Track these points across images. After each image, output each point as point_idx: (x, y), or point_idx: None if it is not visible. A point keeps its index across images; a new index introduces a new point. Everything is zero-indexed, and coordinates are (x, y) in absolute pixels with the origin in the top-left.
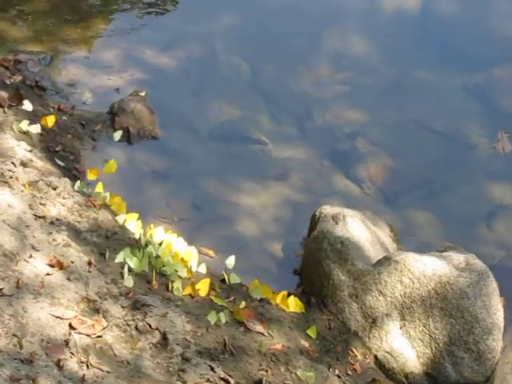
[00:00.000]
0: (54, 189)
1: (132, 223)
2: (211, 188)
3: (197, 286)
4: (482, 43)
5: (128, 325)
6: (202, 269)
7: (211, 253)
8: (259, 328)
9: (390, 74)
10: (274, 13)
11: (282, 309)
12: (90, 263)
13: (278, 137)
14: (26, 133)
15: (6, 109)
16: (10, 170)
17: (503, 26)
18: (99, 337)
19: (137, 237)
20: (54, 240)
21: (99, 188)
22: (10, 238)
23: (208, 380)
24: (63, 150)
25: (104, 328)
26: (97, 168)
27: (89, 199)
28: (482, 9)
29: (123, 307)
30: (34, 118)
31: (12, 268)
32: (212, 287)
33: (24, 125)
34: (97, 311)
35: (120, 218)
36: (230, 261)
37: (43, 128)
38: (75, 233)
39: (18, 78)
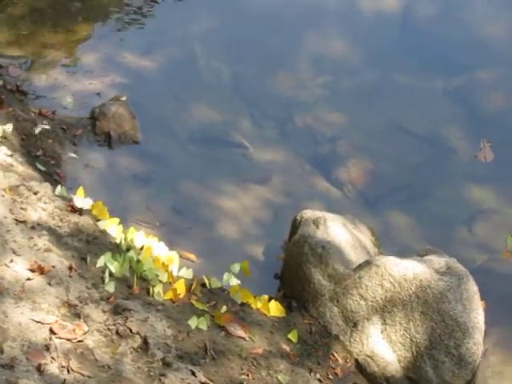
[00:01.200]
0: (35, 193)
1: (113, 228)
2: (192, 192)
3: (174, 289)
4: (463, 47)
5: (109, 329)
6: (184, 273)
7: (192, 257)
8: (240, 332)
9: (371, 78)
10: (254, 17)
11: (263, 313)
12: (70, 268)
13: (259, 140)
14: (6, 137)
15: None
16: None
17: (484, 29)
18: (80, 341)
19: (118, 241)
20: (34, 245)
21: (80, 193)
22: None
23: None
24: (44, 155)
25: (85, 333)
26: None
27: (70, 204)
28: (464, 12)
29: (104, 312)
30: (15, 122)
31: None
32: (193, 291)
33: (5, 129)
34: (78, 316)
35: (101, 223)
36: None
37: (24, 133)
38: (56, 237)
39: None
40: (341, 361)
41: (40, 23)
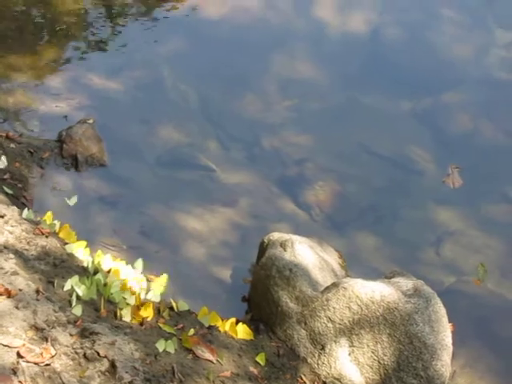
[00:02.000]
0: (2, 217)
1: (80, 251)
2: (159, 215)
3: (141, 312)
4: (430, 69)
5: (76, 353)
6: (151, 296)
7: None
8: (208, 355)
9: (338, 100)
10: (221, 40)
11: (230, 336)
12: (38, 291)
13: (226, 163)
14: None
15: None
16: None
17: (452, 51)
18: (47, 365)
19: (85, 264)
20: (1, 268)
21: (48, 217)
22: None
23: None
24: (11, 178)
25: (52, 356)
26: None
27: (37, 227)
28: (431, 34)
29: (71, 335)
30: None
31: None
32: (161, 314)
33: None
34: (45, 339)
35: (68, 246)
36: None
37: None
38: (23, 261)
39: None
40: (309, 383)
41: (6, 46)
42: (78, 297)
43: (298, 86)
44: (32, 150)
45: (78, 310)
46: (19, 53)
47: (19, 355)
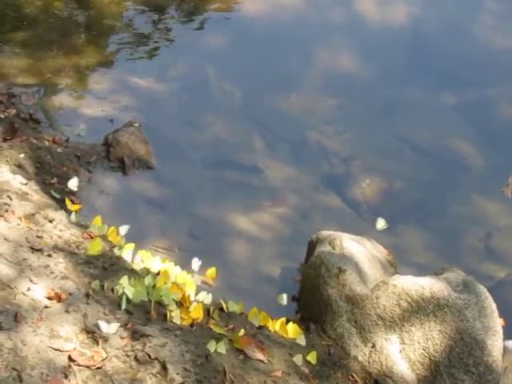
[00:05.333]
0: (51, 221)
1: (129, 254)
2: (207, 216)
3: (191, 314)
4: (475, 62)
5: (127, 355)
6: (201, 297)
7: (210, 281)
8: (259, 355)
9: (382, 95)
10: (264, 38)
11: (281, 335)
12: (87, 295)
13: (273, 162)
14: (21, 166)
15: (0, 143)
16: (5, 204)
17: (495, 44)
18: (99, 368)
19: (134, 267)
20: (51, 272)
21: (97, 221)
22: (7, 272)
23: None
24: (59, 183)
25: (103, 359)
26: None
27: (85, 231)
28: (474, 26)
29: (122, 338)
30: (29, 150)
31: (10, 302)
32: (211, 315)
33: (19, 158)
34: (96, 342)
35: (117, 249)
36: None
37: (39, 161)
38: (72, 265)
39: (12, 112)
40: (360, 382)
41: (52, 50)
42: (127, 299)
43: (342, 83)
44: (79, 154)
45: (128, 313)
46: (63, 56)
47: (71, 359)
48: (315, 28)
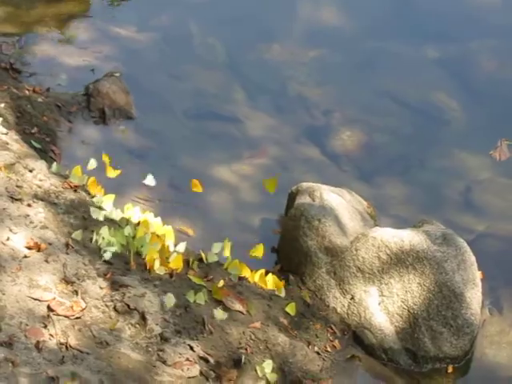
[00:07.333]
0: (31, 171)
1: (109, 204)
2: (188, 167)
3: (171, 265)
4: (457, 16)
5: (106, 306)
6: (180, 248)
7: (189, 231)
8: (238, 306)
9: (364, 49)
10: None
11: (260, 287)
12: (67, 245)
13: (254, 115)
14: (0, 115)
15: None
16: None
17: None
18: (78, 318)
19: (114, 217)
20: (31, 222)
21: (77, 170)
22: None
23: (187, 359)
24: (39, 132)
25: (83, 309)
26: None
27: (65, 181)
28: None
29: (101, 288)
30: (9, 100)
31: None
32: (190, 266)
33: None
34: (75, 292)
35: (97, 200)
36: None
37: (19, 110)
38: (52, 215)
39: None
40: (339, 333)
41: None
42: (107, 250)
43: (324, 35)
44: (60, 104)
45: (107, 263)
46: (45, 5)
47: (50, 308)
48: None
